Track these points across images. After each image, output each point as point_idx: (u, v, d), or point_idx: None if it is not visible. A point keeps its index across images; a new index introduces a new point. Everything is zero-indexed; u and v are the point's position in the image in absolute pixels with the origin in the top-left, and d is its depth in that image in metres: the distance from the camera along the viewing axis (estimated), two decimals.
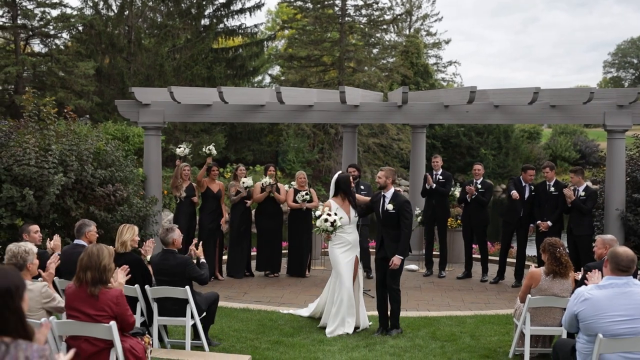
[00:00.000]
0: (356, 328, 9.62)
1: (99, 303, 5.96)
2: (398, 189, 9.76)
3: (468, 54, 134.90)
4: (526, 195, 12.85)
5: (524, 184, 12.96)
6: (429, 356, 8.37)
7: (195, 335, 8.37)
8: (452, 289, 12.87)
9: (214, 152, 13.31)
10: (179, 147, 13.56)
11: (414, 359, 8.27)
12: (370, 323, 9.84)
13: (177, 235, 8.22)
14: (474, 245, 14.28)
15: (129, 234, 8.00)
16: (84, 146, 11.51)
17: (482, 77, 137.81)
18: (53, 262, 6.93)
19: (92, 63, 31.53)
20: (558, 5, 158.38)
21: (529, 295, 7.88)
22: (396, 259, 9.18)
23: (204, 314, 8.41)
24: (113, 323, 5.92)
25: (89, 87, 31.13)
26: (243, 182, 13.31)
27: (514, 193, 12.68)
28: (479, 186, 13.44)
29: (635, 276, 5.73)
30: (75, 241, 8.41)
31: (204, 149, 13.31)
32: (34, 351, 3.09)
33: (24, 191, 10.32)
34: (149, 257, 8.58)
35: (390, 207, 9.34)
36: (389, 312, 9.54)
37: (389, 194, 9.49)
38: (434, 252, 14.32)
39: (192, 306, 8.05)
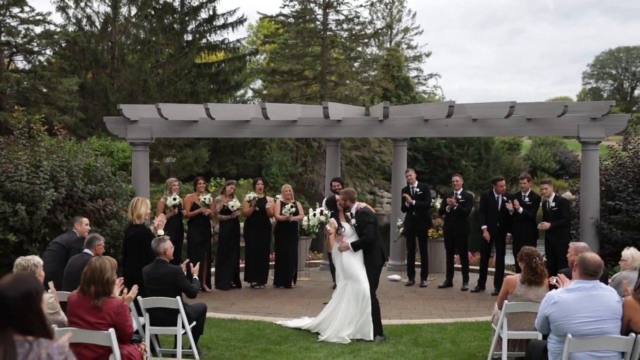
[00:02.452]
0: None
1: (101, 312, 6.28)
2: (362, 204, 10.24)
3: (453, 66, 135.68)
4: (499, 207, 13.25)
5: (496, 195, 13.37)
6: None
7: (186, 344, 8.65)
8: (433, 297, 13.23)
9: (207, 202, 13.40)
10: (173, 199, 13.22)
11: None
12: (382, 338, 9.96)
13: (168, 245, 8.53)
14: (455, 255, 14.63)
15: (143, 207, 8.73)
16: (74, 162, 11.82)
17: (466, 89, 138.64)
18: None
19: (75, 79, 31.81)
20: (544, 16, 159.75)
21: (506, 301, 8.25)
22: (344, 243, 9.87)
23: (194, 323, 8.71)
24: (112, 330, 6.23)
25: (72, 102, 31.36)
26: (232, 206, 13.58)
27: (515, 204, 12.97)
28: (460, 197, 13.79)
29: (605, 282, 6.11)
30: (85, 250, 8.79)
31: (201, 199, 13.47)
32: (54, 349, 3.37)
33: (16, 206, 10.60)
34: (160, 232, 9.21)
35: (353, 221, 9.93)
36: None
37: (354, 209, 10.06)
38: (415, 262, 14.67)
39: (182, 316, 8.34)
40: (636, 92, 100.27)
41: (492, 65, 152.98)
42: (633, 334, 5.84)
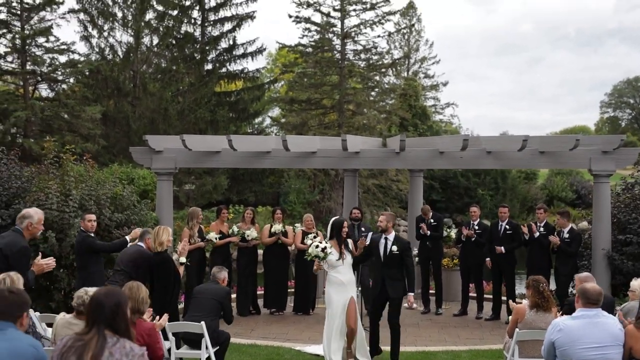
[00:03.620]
0: None
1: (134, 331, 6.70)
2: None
3: (471, 94, 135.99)
4: (501, 233, 13.65)
5: (500, 224, 13.76)
6: None
7: None
8: (448, 325, 13.53)
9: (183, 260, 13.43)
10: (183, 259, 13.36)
11: None
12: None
13: (225, 276, 9.73)
14: (470, 284, 14.94)
15: (165, 235, 9.37)
16: (102, 191, 12.29)
17: (483, 116, 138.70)
18: None
19: (98, 107, 32.47)
20: (563, 44, 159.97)
21: (517, 329, 8.57)
22: (411, 297, 10.22)
23: (218, 347, 9.11)
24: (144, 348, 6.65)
25: (95, 130, 31.96)
26: (248, 235, 13.95)
27: (469, 232, 13.92)
28: (476, 227, 14.15)
29: (611, 311, 6.44)
30: (138, 242, 9.80)
31: (230, 230, 13.90)
32: (136, 347, 4.30)
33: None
34: (182, 259, 9.84)
35: (394, 248, 10.00)
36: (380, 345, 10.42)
37: (391, 236, 10.18)
38: (430, 290, 15.01)
39: (207, 340, 8.73)
40: None
41: (510, 93, 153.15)
42: None
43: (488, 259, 13.78)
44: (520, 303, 8.98)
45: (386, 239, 10.17)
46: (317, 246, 10.27)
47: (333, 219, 10.81)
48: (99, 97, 34.89)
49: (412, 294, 10.20)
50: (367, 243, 10.52)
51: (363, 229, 13.55)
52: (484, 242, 14.04)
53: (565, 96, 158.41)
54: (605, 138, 13.95)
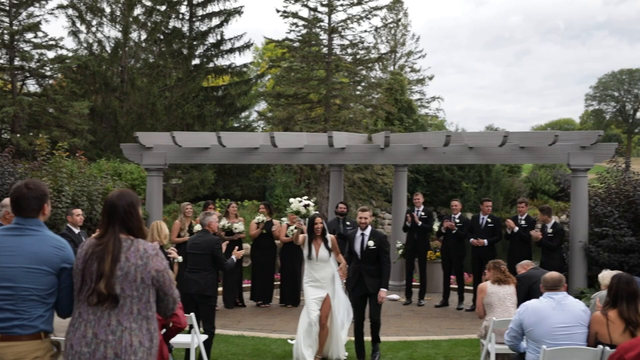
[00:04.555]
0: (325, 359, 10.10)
1: None
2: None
3: (459, 87, 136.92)
4: (482, 226, 14.09)
5: (481, 217, 14.20)
6: None
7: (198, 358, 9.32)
8: (430, 316, 13.94)
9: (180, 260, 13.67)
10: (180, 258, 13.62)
11: None
12: (347, 354, 10.20)
13: (213, 219, 9.79)
14: (452, 277, 15.34)
15: (165, 228, 9.59)
16: (94, 187, 12.61)
17: (471, 109, 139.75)
18: None
19: (86, 103, 32.64)
20: (551, 37, 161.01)
21: (494, 318, 8.99)
22: (382, 293, 9.76)
23: (207, 337, 9.45)
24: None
25: (83, 125, 32.15)
26: (236, 228, 14.30)
27: (451, 224, 14.36)
28: (457, 220, 14.56)
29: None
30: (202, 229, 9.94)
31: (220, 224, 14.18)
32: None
33: None
34: (180, 258, 10.24)
35: (371, 243, 9.84)
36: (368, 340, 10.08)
37: (367, 231, 9.97)
38: (413, 283, 15.40)
39: (195, 329, 9.07)
40: (639, 114, 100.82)
41: (498, 86, 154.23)
42: (600, 346, 6.58)
43: (473, 239, 14.20)
44: None
45: (362, 234, 9.98)
46: (300, 201, 10.51)
47: (311, 215, 10.85)
48: (87, 93, 35.08)
49: (385, 290, 9.86)
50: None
51: (348, 223, 13.92)
52: (465, 234, 14.45)
53: (552, 89, 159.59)
54: (583, 134, 14.39)
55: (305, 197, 11.41)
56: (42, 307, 4.46)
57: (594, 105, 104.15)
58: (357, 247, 9.97)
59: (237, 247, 10.65)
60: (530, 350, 6.87)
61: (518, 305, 8.43)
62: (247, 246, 13.80)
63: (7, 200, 8.73)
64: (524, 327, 6.86)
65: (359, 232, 10.03)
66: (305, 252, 10.17)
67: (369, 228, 10.02)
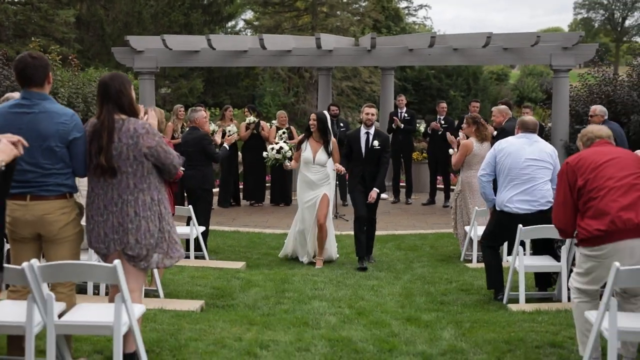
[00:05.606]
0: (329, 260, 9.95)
1: None
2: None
3: None
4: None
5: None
6: (394, 261, 9.99)
7: (196, 247, 9.80)
8: (417, 213, 14.52)
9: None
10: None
11: (381, 264, 9.84)
12: (337, 256, 10.16)
13: (199, 115, 10.03)
14: (438, 177, 15.84)
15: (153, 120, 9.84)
16: (88, 89, 12.87)
17: (459, 17, 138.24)
18: None
19: (72, 11, 32.28)
20: None
21: (477, 208, 9.51)
22: (374, 193, 9.43)
23: (204, 228, 9.94)
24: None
25: (69, 34, 31.93)
26: (229, 131, 14.62)
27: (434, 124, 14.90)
28: (443, 122, 14.97)
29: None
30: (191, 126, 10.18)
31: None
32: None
33: None
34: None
35: (376, 143, 9.48)
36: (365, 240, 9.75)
37: (372, 130, 9.60)
38: (400, 183, 15.91)
39: (193, 219, 9.54)
40: (627, 22, 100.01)
41: None
42: None
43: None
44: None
45: (367, 133, 9.56)
46: (272, 148, 10.62)
47: (315, 112, 10.27)
48: (72, 1, 34.66)
49: (378, 190, 9.51)
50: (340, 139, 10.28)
51: (341, 124, 14.32)
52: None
53: None
54: (565, 35, 14.76)
55: (277, 141, 11.49)
56: (63, 176, 4.90)
57: (582, 13, 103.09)
58: (362, 147, 9.56)
59: (227, 134, 10.92)
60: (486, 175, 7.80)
61: None
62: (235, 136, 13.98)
63: (11, 94, 9.06)
64: (497, 161, 7.62)
65: (363, 130, 9.63)
66: (304, 154, 9.75)
67: (374, 127, 9.70)
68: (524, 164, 7.43)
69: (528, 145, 7.52)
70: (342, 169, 9.63)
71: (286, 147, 12.31)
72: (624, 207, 5.04)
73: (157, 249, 5.00)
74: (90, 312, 4.81)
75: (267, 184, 15.78)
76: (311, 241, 9.85)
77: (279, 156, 11.00)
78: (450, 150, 10.67)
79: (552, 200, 6.94)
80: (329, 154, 9.68)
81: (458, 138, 10.19)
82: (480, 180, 7.89)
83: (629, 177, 5.18)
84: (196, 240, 9.61)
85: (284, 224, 13.01)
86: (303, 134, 10.10)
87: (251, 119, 14.85)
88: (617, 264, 4.66)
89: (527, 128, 7.68)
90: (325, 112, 10.32)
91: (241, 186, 15.77)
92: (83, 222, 5.12)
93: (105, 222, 4.93)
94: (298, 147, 10.04)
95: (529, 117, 8.00)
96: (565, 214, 5.36)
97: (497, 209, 7.64)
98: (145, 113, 5.31)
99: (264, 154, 14.00)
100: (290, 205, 15.10)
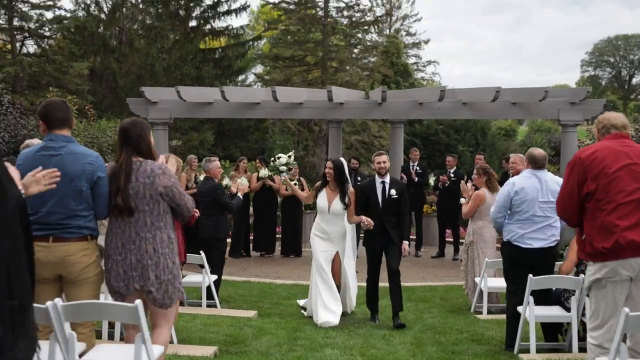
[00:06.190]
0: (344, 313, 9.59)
1: None
2: None
3: (457, 52, 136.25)
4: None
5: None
6: (405, 312, 9.98)
7: (208, 296, 9.90)
8: (427, 265, 14.58)
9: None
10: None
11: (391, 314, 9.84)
12: (353, 309, 10.06)
13: (213, 165, 10.26)
14: (447, 230, 15.92)
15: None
16: (103, 139, 13.07)
17: (468, 75, 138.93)
18: None
19: (86, 63, 32.84)
20: (551, 3, 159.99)
21: (487, 259, 9.58)
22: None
23: (216, 277, 10.02)
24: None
25: (83, 86, 32.42)
26: (240, 182, 14.78)
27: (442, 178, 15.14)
28: (452, 175, 15.12)
29: None
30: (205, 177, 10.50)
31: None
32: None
33: None
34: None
35: (393, 192, 9.14)
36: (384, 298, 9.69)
37: (387, 179, 9.24)
38: (410, 236, 15.93)
39: (206, 268, 9.64)
40: (634, 80, 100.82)
41: (496, 52, 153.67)
42: None
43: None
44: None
45: (383, 182, 9.18)
46: (279, 157, 10.71)
47: (332, 160, 10.00)
48: (86, 54, 35.26)
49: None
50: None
51: (359, 178, 14.47)
52: (458, 189, 14.98)
53: (550, 56, 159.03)
54: (572, 90, 14.97)
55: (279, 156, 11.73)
56: (85, 218, 5.05)
57: (589, 71, 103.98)
58: (379, 197, 9.18)
59: (238, 183, 11.08)
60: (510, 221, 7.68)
61: None
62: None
63: (30, 141, 9.23)
64: (512, 202, 7.57)
65: (378, 180, 9.23)
66: (319, 203, 9.39)
67: (388, 175, 9.34)
68: (538, 207, 7.48)
69: (540, 187, 7.52)
70: (371, 222, 9.00)
71: (292, 164, 12.59)
72: (628, 227, 5.15)
73: (175, 282, 5.19)
74: (111, 352, 4.90)
75: (277, 235, 15.89)
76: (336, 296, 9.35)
77: (284, 168, 11.18)
78: (462, 200, 10.61)
79: (559, 237, 7.49)
80: (346, 205, 9.26)
81: (471, 188, 10.28)
82: (495, 222, 7.90)
83: (638, 191, 5.25)
84: (208, 288, 9.71)
85: (295, 275, 13.13)
86: (320, 182, 9.68)
87: (264, 172, 15.01)
88: (626, 309, 4.71)
89: (536, 163, 7.61)
90: (342, 159, 10.05)
91: (252, 237, 15.87)
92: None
93: (124, 260, 5.09)
94: (315, 192, 9.61)
95: (537, 151, 7.80)
96: (570, 203, 5.47)
97: (505, 239, 7.72)
98: (166, 160, 5.49)
99: (261, 172, 14.31)
100: (301, 256, 15.17)
